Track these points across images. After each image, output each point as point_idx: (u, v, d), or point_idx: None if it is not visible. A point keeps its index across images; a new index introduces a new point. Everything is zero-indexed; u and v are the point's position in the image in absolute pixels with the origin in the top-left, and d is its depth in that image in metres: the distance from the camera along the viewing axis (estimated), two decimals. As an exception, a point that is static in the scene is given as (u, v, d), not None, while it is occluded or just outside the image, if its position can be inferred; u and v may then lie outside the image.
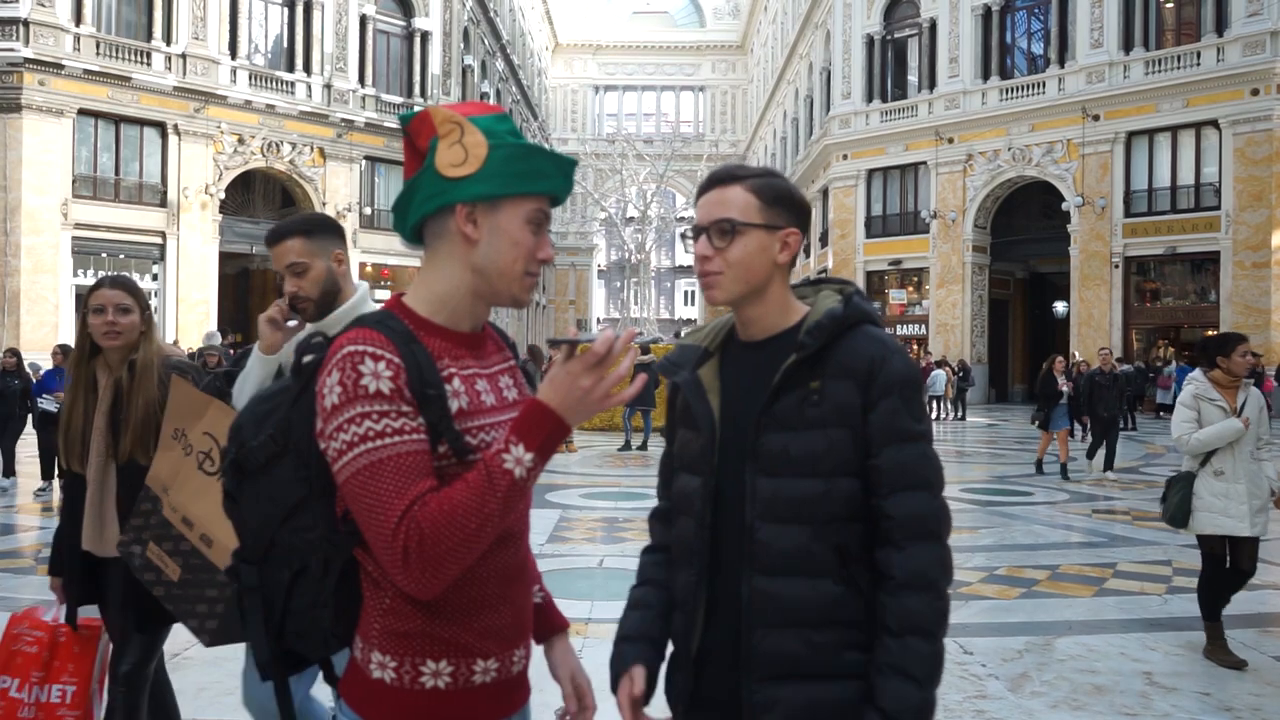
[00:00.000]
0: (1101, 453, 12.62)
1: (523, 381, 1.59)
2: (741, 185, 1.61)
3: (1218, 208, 24.15)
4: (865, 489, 1.54)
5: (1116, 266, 26.15)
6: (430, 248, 1.46)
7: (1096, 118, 26.20)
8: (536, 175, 1.43)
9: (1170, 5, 26.30)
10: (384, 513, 1.27)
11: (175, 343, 24.05)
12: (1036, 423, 13.01)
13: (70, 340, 21.49)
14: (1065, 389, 12.50)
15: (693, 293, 67.53)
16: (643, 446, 15.25)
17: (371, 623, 1.40)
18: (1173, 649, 5.05)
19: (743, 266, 1.59)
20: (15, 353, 11.25)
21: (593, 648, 4.88)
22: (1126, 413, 21.41)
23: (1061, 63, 27.48)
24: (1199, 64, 24.49)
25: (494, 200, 1.42)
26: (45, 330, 22.11)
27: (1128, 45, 25.98)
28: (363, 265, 29.23)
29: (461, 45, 33.29)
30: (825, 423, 1.52)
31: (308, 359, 1.43)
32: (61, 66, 22.92)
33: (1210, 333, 24.70)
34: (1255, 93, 23.32)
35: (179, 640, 5.01)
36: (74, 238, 23.53)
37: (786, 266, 1.63)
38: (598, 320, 60.84)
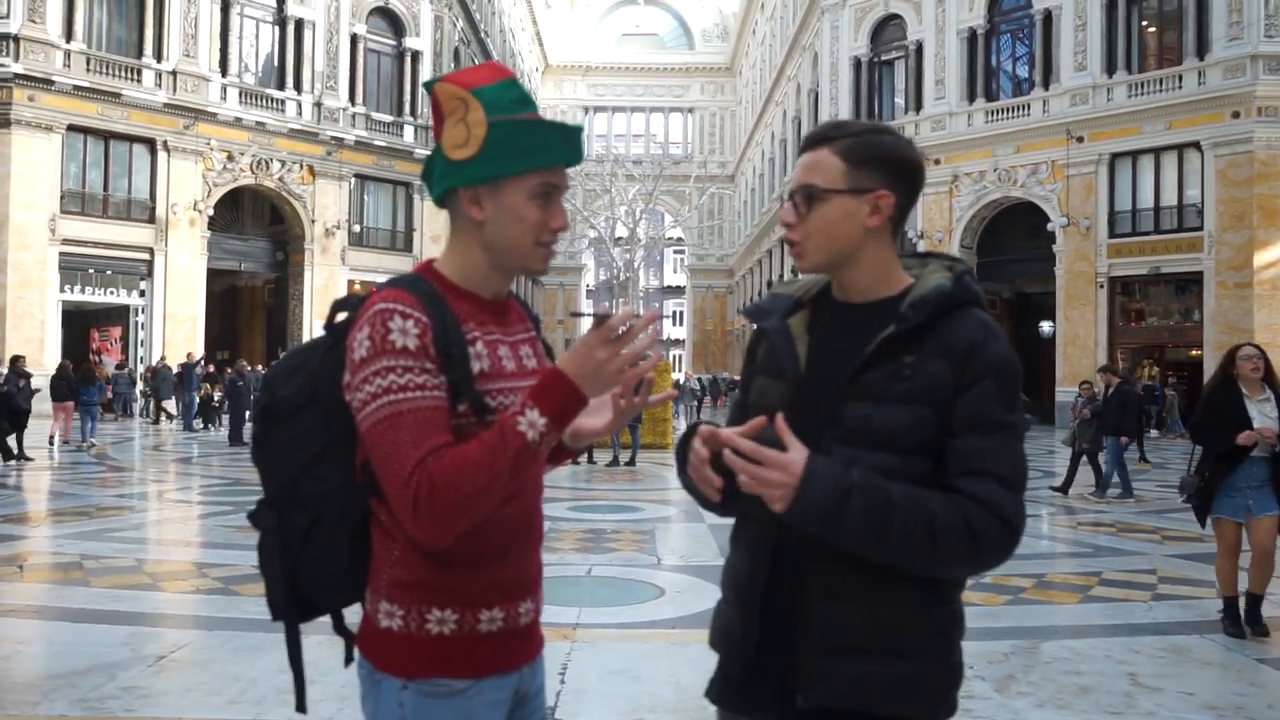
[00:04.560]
0: None
1: (543, 353, 1.64)
2: (830, 147, 1.54)
3: (1200, 228, 24.36)
4: (939, 469, 1.46)
5: (1101, 286, 26.34)
6: (451, 221, 1.52)
7: (1080, 139, 26.45)
8: (538, 150, 1.45)
9: (1152, 29, 26.64)
10: (399, 461, 1.33)
11: (163, 359, 23.99)
12: (1187, 499, 5.78)
13: (57, 354, 21.43)
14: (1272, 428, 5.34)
15: (680, 313, 67.63)
16: (630, 462, 15.25)
17: (381, 573, 1.46)
18: (1157, 652, 5.08)
19: (824, 234, 1.53)
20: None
21: (580, 651, 4.88)
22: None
23: (1046, 85, 27.76)
24: (1181, 87, 24.77)
25: (495, 181, 1.44)
26: (31, 346, 22.01)
27: (1110, 68, 26.28)
28: (351, 283, 29.24)
29: (452, 64, 33.46)
30: (912, 398, 1.45)
31: (341, 316, 1.49)
32: (51, 82, 22.96)
33: (1195, 353, 24.96)
34: (1236, 115, 23.59)
35: (166, 643, 5.01)
36: (61, 253, 23.52)
37: (882, 230, 1.54)
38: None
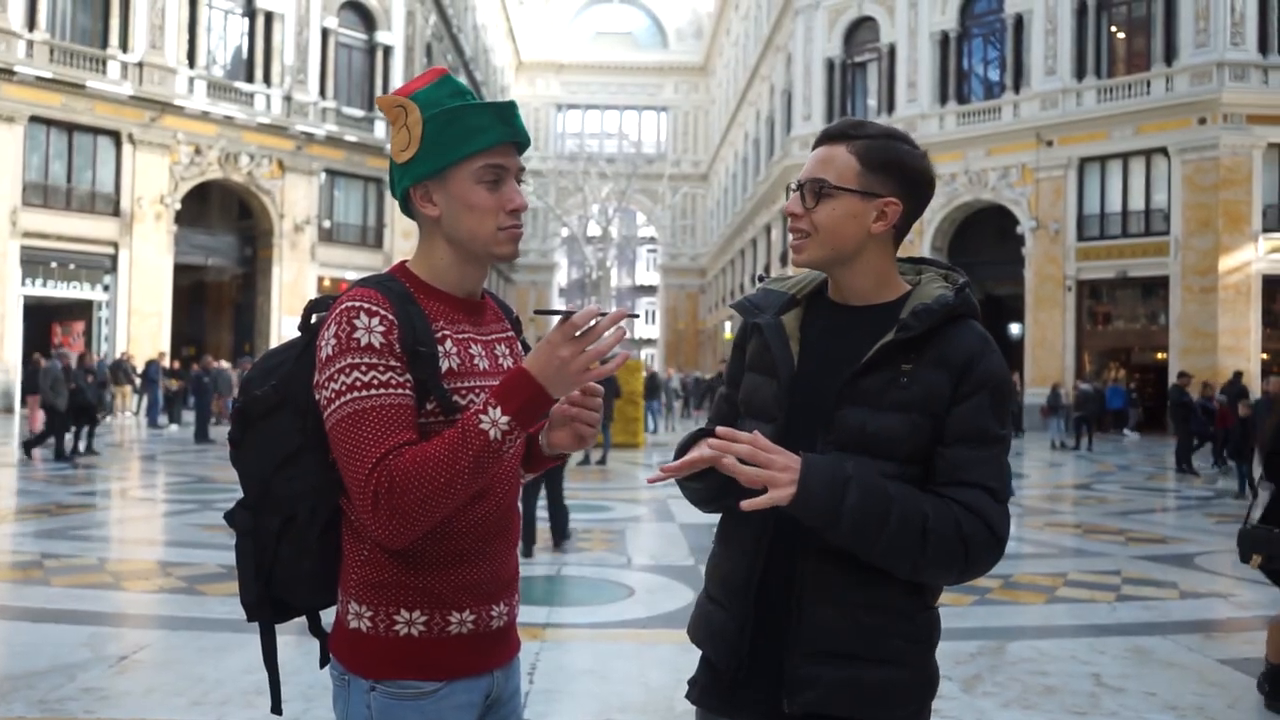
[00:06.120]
0: None
1: (520, 353, 1.62)
2: (847, 146, 1.53)
3: (1167, 233, 24.68)
4: (928, 477, 1.48)
5: (1069, 289, 26.63)
6: (418, 224, 1.53)
7: (1050, 143, 26.72)
8: (473, 134, 1.44)
9: (1121, 35, 26.95)
10: (361, 458, 1.33)
11: (125, 355, 23.66)
12: (1268, 559, 4.27)
13: (18, 349, 21.07)
14: None
15: (653, 312, 67.67)
16: (601, 461, 15.22)
17: (350, 573, 1.46)
18: (1121, 653, 5.13)
19: (828, 231, 1.52)
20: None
21: (550, 650, 4.86)
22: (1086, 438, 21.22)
23: (1016, 89, 28.01)
24: (1149, 93, 25.09)
25: (439, 173, 1.45)
26: (-8, 340, 21.66)
27: (1080, 73, 26.57)
28: (320, 280, 28.97)
29: (425, 60, 33.23)
30: (909, 407, 1.45)
31: (316, 316, 1.50)
32: (13, 72, 22.53)
33: (1160, 355, 25.29)
34: (1203, 121, 23.92)
35: (128, 643, 4.93)
36: (23, 246, 23.07)
37: (886, 236, 1.54)
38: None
